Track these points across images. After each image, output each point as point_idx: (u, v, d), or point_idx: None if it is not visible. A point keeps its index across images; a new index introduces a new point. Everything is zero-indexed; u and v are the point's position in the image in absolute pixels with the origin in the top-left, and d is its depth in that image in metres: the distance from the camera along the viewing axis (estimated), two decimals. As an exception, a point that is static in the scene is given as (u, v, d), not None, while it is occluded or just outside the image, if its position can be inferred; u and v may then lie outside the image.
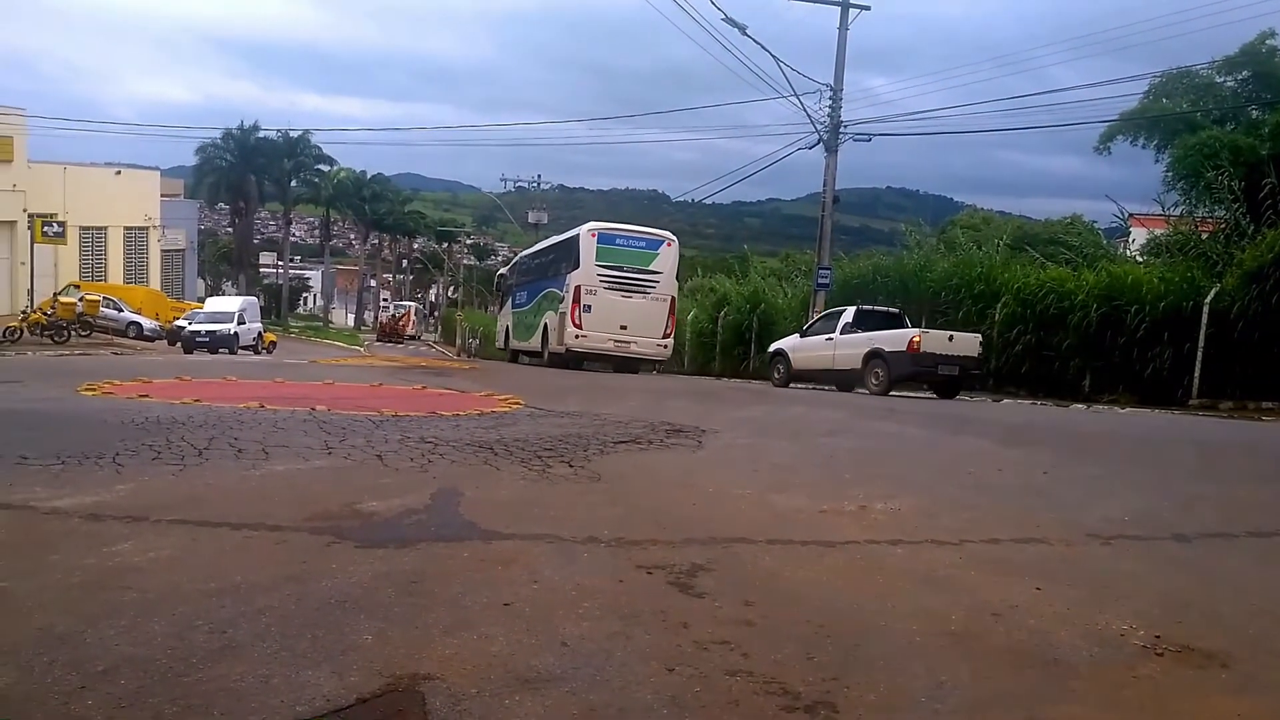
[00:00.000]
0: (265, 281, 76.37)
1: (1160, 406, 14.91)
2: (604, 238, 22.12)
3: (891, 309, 18.73)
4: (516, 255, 33.75)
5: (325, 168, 65.26)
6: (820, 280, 23.46)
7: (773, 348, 20.06)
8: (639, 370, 22.45)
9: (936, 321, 19.54)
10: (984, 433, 8.90)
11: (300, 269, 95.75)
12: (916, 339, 16.33)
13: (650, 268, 22.01)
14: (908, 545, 4.48)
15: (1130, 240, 24.54)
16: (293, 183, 63.48)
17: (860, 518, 4.91)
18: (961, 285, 19.87)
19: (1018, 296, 18.48)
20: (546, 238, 28.95)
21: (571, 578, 3.90)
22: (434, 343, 60.88)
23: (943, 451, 7.53)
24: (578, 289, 21.93)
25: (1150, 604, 3.85)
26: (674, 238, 22.95)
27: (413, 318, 67.57)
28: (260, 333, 34.63)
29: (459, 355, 38.17)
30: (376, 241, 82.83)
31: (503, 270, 34.47)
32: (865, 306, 18.82)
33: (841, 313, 18.69)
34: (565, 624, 3.47)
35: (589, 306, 21.80)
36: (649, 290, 21.95)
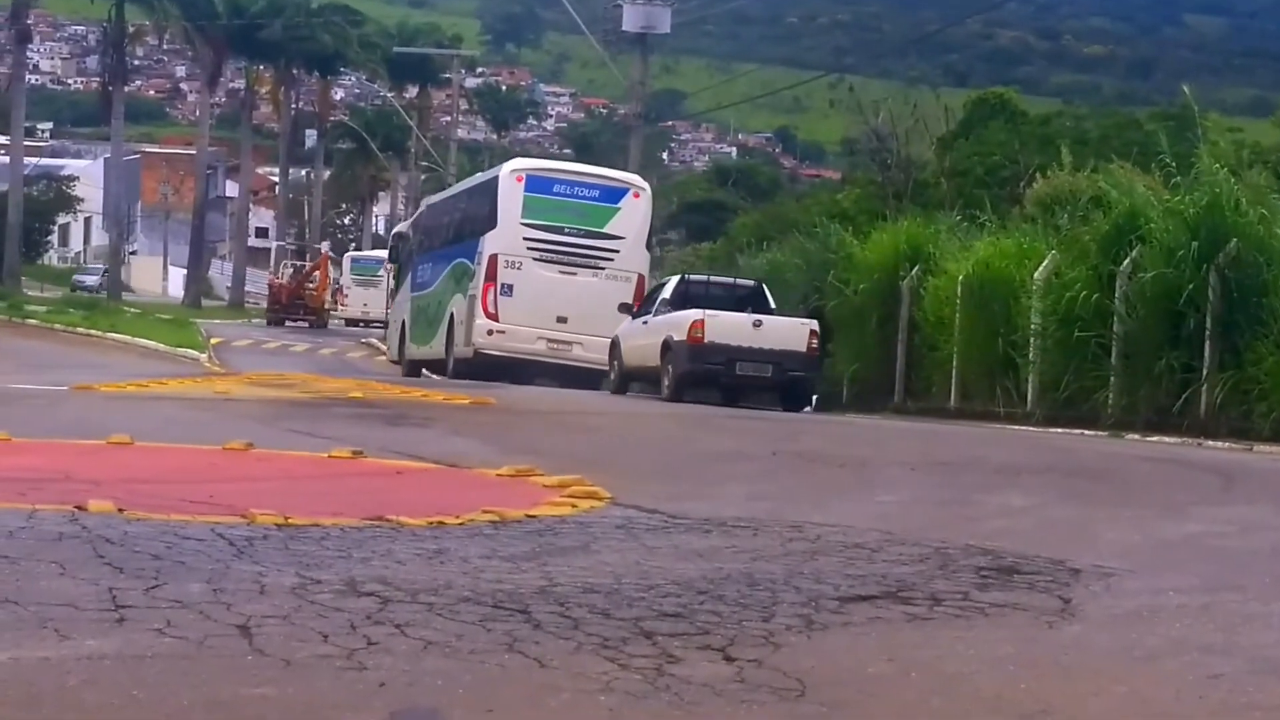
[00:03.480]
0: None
1: None
2: (536, 182, 24.37)
3: (748, 281, 22.29)
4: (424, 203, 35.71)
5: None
6: None
7: (616, 334, 22.93)
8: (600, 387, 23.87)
9: None
10: None
11: (53, 156, 73.23)
12: (699, 324, 19.68)
13: (607, 229, 24.26)
14: None
15: None
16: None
17: None
18: None
19: None
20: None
21: None
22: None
23: None
24: (493, 260, 24.05)
25: None
26: (645, 185, 25.38)
27: (358, 279, 57.60)
28: None
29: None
30: (240, 85, 64.90)
31: (401, 227, 37.06)
32: (699, 276, 22.58)
33: (663, 285, 22.39)
34: None
35: (509, 287, 23.99)
36: (604, 264, 24.22)
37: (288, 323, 54.86)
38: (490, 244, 24.24)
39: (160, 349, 36.44)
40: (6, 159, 56.13)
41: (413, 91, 75.52)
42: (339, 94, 79.23)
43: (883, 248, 25.92)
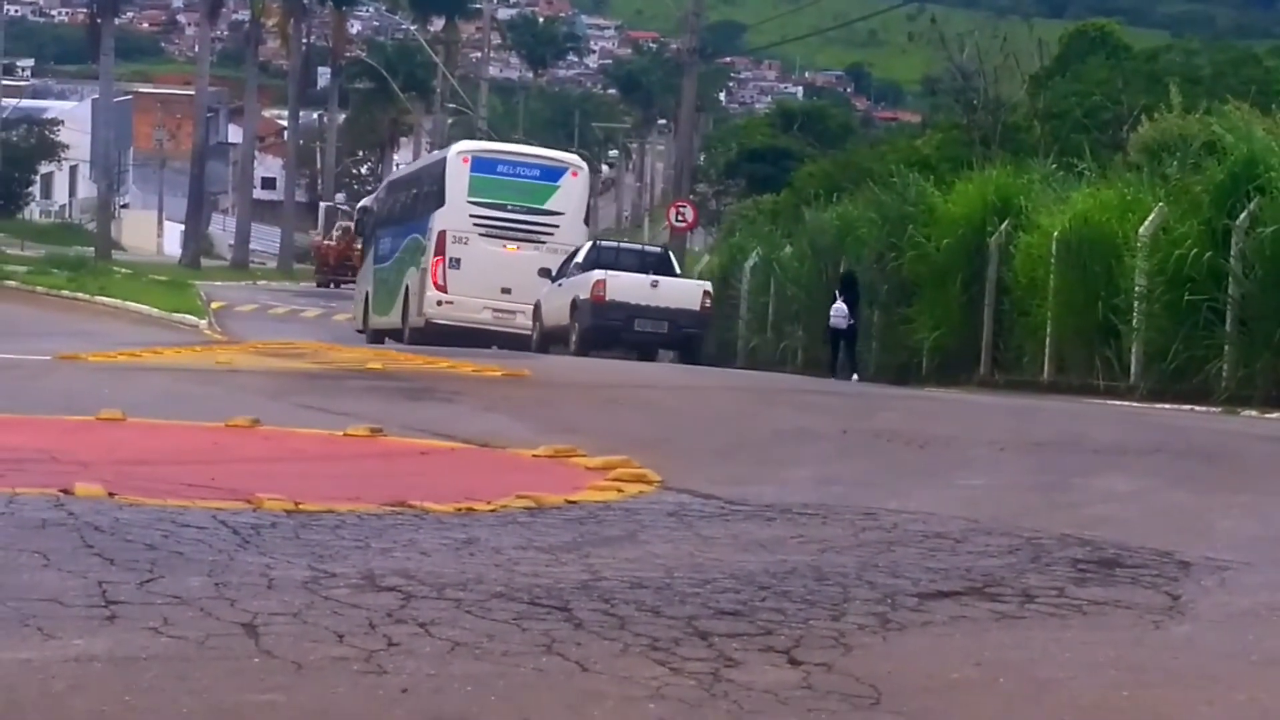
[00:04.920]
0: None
1: None
2: (481, 163, 29.45)
3: (655, 247, 26.80)
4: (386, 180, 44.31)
5: None
6: None
7: (538, 297, 27.45)
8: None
9: None
10: None
11: (34, 97, 76.54)
12: (600, 283, 24.12)
13: (547, 206, 29.15)
14: None
15: None
16: None
17: None
18: None
19: None
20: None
21: None
22: None
23: None
24: (442, 236, 29.21)
25: None
26: (582, 164, 30.69)
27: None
28: None
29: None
30: (245, 16, 66.54)
31: (366, 201, 43.30)
32: (610, 243, 27.63)
33: (578, 251, 26.90)
34: None
35: (457, 261, 28.97)
36: (544, 238, 28.95)
37: (342, 285, 58.79)
38: (439, 221, 29.37)
39: (155, 314, 36.94)
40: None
41: (438, 24, 75.70)
42: (356, 27, 79.36)
43: (968, 200, 25.90)
